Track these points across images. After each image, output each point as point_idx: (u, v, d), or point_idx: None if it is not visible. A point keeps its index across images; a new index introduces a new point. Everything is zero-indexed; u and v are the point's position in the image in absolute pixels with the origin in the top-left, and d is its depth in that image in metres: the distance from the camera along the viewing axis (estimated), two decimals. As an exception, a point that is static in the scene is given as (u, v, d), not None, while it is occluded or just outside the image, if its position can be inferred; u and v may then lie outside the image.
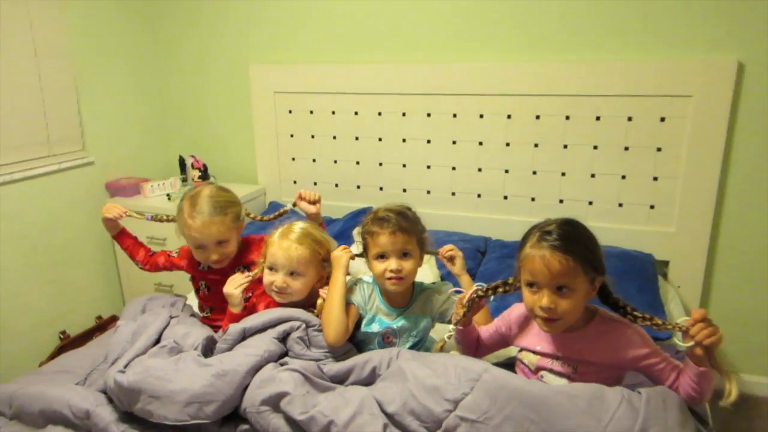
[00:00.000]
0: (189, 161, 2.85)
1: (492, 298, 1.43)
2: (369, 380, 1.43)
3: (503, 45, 2.40)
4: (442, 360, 1.33)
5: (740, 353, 2.38)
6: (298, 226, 1.64)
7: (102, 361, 1.62)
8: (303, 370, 1.39)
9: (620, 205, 2.36)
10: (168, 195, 2.70)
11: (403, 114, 2.58)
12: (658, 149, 2.27)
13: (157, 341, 1.56)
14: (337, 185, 2.78)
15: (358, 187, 2.75)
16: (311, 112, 2.73)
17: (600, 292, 1.32)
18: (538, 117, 2.39)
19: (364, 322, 1.61)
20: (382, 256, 1.52)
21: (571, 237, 1.27)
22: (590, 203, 2.40)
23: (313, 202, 1.82)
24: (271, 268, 1.61)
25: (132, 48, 2.85)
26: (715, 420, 1.57)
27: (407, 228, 1.53)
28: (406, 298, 1.61)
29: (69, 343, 2.53)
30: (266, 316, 1.54)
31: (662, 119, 2.24)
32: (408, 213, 1.58)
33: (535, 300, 1.29)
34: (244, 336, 1.53)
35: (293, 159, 2.84)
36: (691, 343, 1.19)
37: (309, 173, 2.82)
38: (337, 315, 1.51)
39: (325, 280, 1.65)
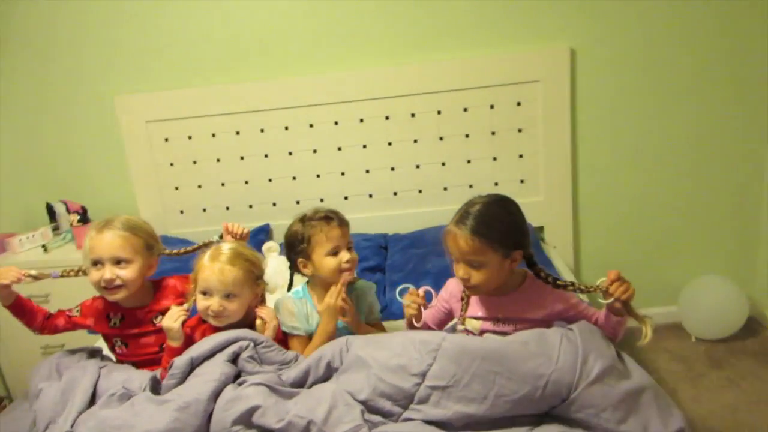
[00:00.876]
0: (60, 207, 2.65)
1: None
2: (327, 375, 1.48)
3: (375, 51, 2.56)
4: (398, 339, 1.43)
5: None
6: (226, 246, 1.62)
7: (30, 430, 1.48)
8: (266, 382, 1.41)
9: (496, 184, 2.64)
10: (44, 246, 2.49)
11: (286, 128, 2.63)
12: (519, 130, 2.58)
13: (94, 394, 1.48)
14: (228, 208, 2.75)
15: (251, 206, 2.75)
16: (190, 138, 2.68)
17: (528, 263, 1.51)
18: (413, 115, 2.58)
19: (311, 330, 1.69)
20: (335, 252, 1.62)
21: (482, 220, 1.43)
22: (470, 186, 2.65)
23: (241, 237, 1.80)
24: (205, 293, 1.58)
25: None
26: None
27: (346, 222, 1.68)
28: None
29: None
30: (212, 342, 1.52)
31: (518, 104, 2.55)
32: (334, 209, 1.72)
33: (456, 270, 1.48)
34: (192, 366, 1.50)
35: (176, 188, 2.75)
36: (611, 300, 1.40)
37: (196, 200, 2.76)
38: None
39: (260, 297, 1.66)
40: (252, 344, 1.54)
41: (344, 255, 1.62)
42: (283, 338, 1.69)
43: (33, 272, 1.66)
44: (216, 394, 1.40)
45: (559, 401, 1.29)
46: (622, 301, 1.39)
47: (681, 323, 2.69)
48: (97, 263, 1.60)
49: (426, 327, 1.64)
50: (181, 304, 1.67)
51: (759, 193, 2.62)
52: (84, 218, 2.48)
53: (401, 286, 1.61)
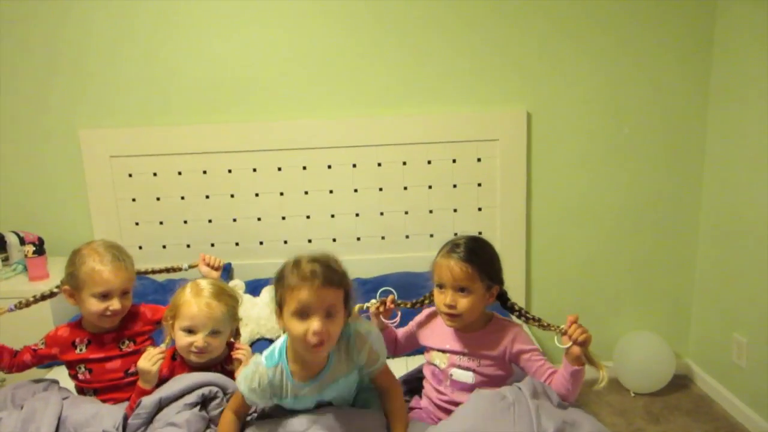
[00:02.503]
0: (11, 237, 2.56)
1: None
2: None
3: (344, 102, 2.67)
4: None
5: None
6: (205, 282, 1.63)
7: (-14, 462, 1.42)
8: None
9: (455, 234, 2.75)
10: (-7, 277, 2.39)
11: (254, 170, 2.68)
12: (479, 184, 2.73)
13: (57, 426, 1.43)
14: (189, 245, 2.74)
15: (212, 245, 2.74)
16: (155, 174, 2.68)
17: (500, 298, 1.63)
18: (380, 164, 2.69)
19: (287, 403, 1.47)
20: (302, 314, 1.31)
21: (473, 250, 1.56)
22: (431, 235, 2.76)
23: (217, 268, 1.82)
24: (190, 330, 1.57)
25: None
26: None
27: (336, 282, 1.34)
28: (320, 364, 1.43)
29: None
30: (182, 383, 1.51)
31: (479, 159, 2.70)
32: (334, 264, 1.38)
33: (441, 298, 1.57)
34: (160, 407, 1.48)
35: (137, 223, 2.72)
36: (569, 344, 1.50)
37: (157, 236, 2.73)
38: None
39: (235, 332, 1.67)
40: (221, 392, 1.53)
41: (314, 323, 1.30)
42: None
43: None
44: None
45: None
46: (579, 344, 1.48)
47: (617, 378, 2.83)
48: (105, 295, 1.63)
49: (386, 338, 1.68)
50: (149, 331, 1.67)
51: (693, 257, 2.83)
52: (39, 249, 2.41)
53: (383, 289, 1.70)
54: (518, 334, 1.61)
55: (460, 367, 1.61)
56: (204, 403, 1.51)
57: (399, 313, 1.72)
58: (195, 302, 1.57)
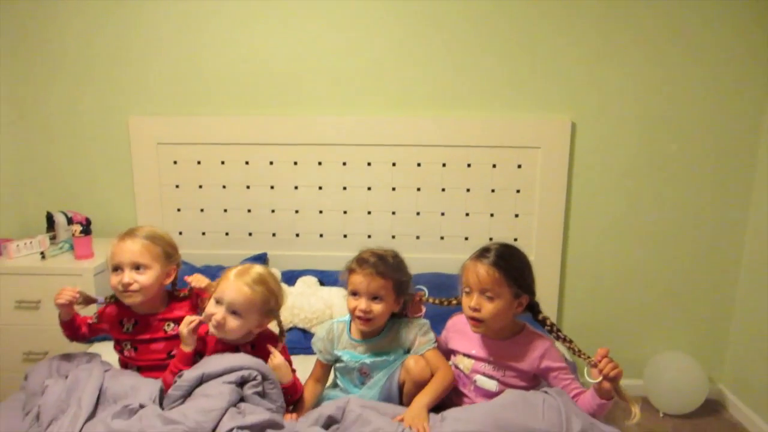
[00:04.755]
0: (59, 217, 2.65)
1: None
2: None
3: (387, 101, 2.69)
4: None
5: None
6: (256, 269, 1.64)
7: (30, 425, 1.48)
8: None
9: (490, 239, 2.74)
10: (42, 253, 2.48)
11: (295, 163, 2.72)
12: (518, 191, 2.71)
13: (98, 397, 1.49)
14: (227, 233, 2.80)
15: (250, 234, 2.79)
16: (198, 163, 2.74)
17: (531, 311, 1.61)
18: (419, 164, 2.70)
19: (339, 355, 1.72)
20: (355, 294, 1.62)
21: (502, 256, 1.56)
22: (466, 239, 2.76)
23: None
24: (217, 302, 1.61)
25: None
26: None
27: (384, 272, 1.61)
28: (374, 332, 1.70)
29: None
30: (224, 363, 1.54)
31: (519, 166, 2.69)
32: (389, 259, 1.66)
33: (467, 302, 1.57)
34: (201, 383, 1.52)
35: (178, 210, 2.79)
36: (600, 379, 1.46)
37: (197, 223, 2.80)
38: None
39: (264, 327, 1.68)
40: (260, 377, 1.55)
41: (361, 302, 1.61)
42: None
43: (84, 293, 1.75)
44: (217, 422, 1.41)
45: None
46: (609, 380, 1.44)
47: (648, 397, 2.78)
48: (117, 268, 1.68)
49: None
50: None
51: (734, 279, 2.76)
52: (86, 230, 2.48)
53: (416, 287, 1.75)
54: (548, 350, 1.58)
55: (484, 374, 1.60)
56: (242, 384, 1.54)
57: (424, 309, 1.74)
58: (233, 279, 1.60)
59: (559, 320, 2.85)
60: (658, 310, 2.83)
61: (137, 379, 1.57)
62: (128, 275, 1.66)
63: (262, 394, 1.56)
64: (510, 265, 1.55)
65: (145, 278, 1.68)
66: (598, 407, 1.49)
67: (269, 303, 1.63)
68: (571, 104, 2.66)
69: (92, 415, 1.41)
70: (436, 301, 1.76)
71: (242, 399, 1.53)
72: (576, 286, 2.83)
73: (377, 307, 1.61)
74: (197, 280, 1.78)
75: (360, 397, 1.62)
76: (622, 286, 2.82)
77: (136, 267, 1.67)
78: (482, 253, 1.58)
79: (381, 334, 1.70)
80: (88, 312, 1.84)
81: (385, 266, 1.62)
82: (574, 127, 2.66)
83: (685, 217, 2.72)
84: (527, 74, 2.64)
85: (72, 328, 1.77)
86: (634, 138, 2.67)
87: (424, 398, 1.53)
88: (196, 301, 1.82)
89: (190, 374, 1.50)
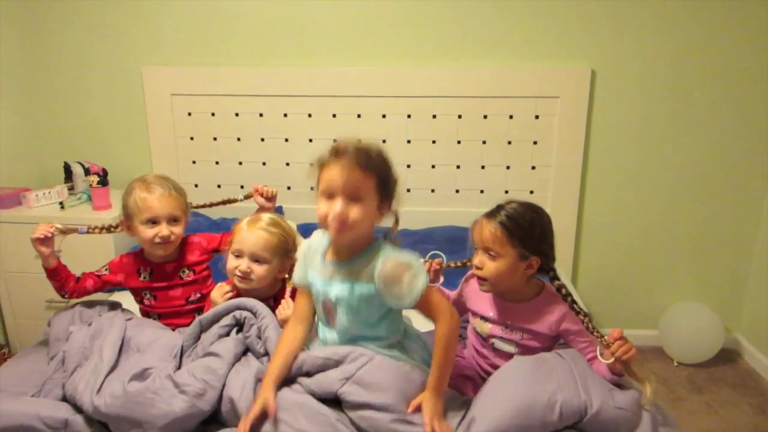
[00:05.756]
0: (77, 168, 2.68)
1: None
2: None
3: (402, 51, 2.63)
4: None
5: (604, 312, 2.88)
6: (266, 215, 1.69)
7: (56, 370, 1.53)
8: None
9: (506, 192, 2.72)
10: (61, 204, 2.51)
11: (309, 115, 2.70)
12: (535, 142, 2.67)
13: (121, 347, 1.52)
14: (242, 186, 2.80)
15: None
16: (213, 114, 2.73)
17: (550, 276, 1.54)
18: (434, 116, 2.66)
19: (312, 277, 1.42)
20: (327, 195, 1.25)
21: (513, 216, 1.49)
22: (482, 191, 2.74)
23: (270, 198, 1.86)
24: (237, 255, 1.63)
25: None
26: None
27: (366, 165, 1.23)
28: (350, 251, 1.33)
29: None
30: (217, 308, 1.57)
31: (537, 117, 2.64)
32: (372, 150, 1.26)
33: (474, 259, 1.55)
34: (201, 329, 1.55)
35: (194, 162, 2.80)
36: (612, 359, 1.40)
37: (212, 175, 2.81)
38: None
39: (288, 269, 1.71)
40: (252, 316, 1.54)
41: (336, 204, 1.22)
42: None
43: (59, 226, 1.71)
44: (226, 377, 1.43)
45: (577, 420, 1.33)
46: (622, 362, 1.40)
47: (662, 347, 2.79)
48: (152, 221, 1.70)
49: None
50: (206, 260, 1.80)
51: (754, 230, 2.73)
52: (103, 180, 2.51)
53: (432, 252, 1.70)
54: (568, 313, 1.52)
55: (502, 338, 1.57)
56: (241, 328, 1.55)
57: (442, 278, 1.69)
58: (246, 229, 1.63)
59: (575, 272, 2.85)
60: (676, 260, 2.81)
61: (159, 332, 1.60)
62: (167, 228, 1.71)
63: (262, 338, 1.52)
64: (517, 225, 1.48)
65: (179, 229, 1.74)
66: (610, 380, 1.46)
67: (287, 243, 1.66)
68: (591, 52, 2.58)
69: (115, 366, 1.44)
70: (457, 264, 1.70)
71: (247, 349, 1.53)
72: (593, 239, 2.81)
73: (356, 211, 1.23)
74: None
75: (322, 343, 1.41)
76: (640, 237, 2.79)
77: (173, 219, 1.73)
78: (493, 212, 1.52)
79: (359, 256, 1.32)
80: (93, 263, 1.84)
81: (368, 158, 1.24)
82: (594, 75, 2.59)
83: (706, 166, 2.67)
84: (545, 21, 2.55)
85: (58, 279, 1.73)
86: (654, 85, 2.59)
87: (433, 388, 1.29)
88: (208, 246, 1.85)
89: (191, 327, 1.55)
